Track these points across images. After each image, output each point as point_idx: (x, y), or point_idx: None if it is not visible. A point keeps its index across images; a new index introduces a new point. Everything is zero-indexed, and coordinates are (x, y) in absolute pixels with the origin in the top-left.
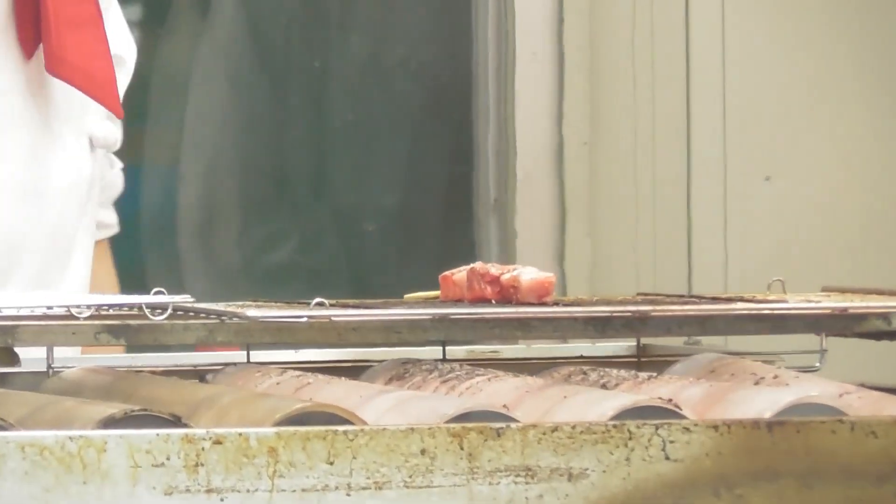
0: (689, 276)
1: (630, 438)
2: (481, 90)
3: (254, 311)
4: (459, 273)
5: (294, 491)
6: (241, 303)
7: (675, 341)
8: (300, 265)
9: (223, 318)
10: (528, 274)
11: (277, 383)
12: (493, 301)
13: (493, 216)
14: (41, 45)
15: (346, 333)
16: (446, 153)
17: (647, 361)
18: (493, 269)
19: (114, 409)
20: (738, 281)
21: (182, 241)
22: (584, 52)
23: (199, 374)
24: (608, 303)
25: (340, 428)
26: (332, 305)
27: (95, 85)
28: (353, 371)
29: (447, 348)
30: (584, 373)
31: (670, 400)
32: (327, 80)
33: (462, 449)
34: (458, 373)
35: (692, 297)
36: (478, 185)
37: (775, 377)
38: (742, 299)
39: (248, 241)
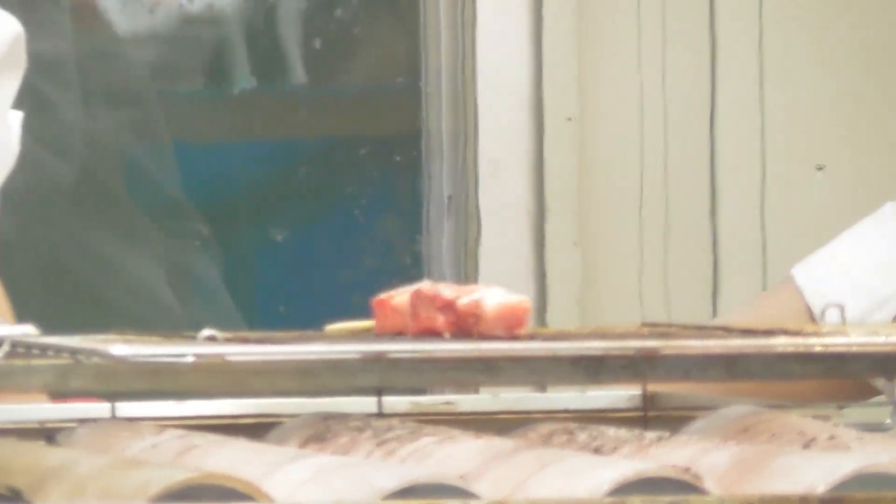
0: (714, 300)
1: None
2: (431, 48)
3: (121, 348)
4: (400, 297)
5: None
6: (103, 336)
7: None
8: (176, 288)
9: (79, 356)
10: (493, 297)
11: (153, 446)
12: (447, 334)
13: (448, 219)
14: None
15: (246, 378)
16: (383, 134)
17: (655, 417)
18: (447, 290)
19: None
20: None
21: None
22: None
23: (48, 434)
24: (603, 336)
25: None
26: (227, 340)
27: None
28: (257, 430)
29: (384, 398)
30: (571, 432)
31: (688, 469)
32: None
33: None
34: (399, 432)
35: (717, 329)
36: (427, 178)
37: (831, 438)
38: (785, 332)
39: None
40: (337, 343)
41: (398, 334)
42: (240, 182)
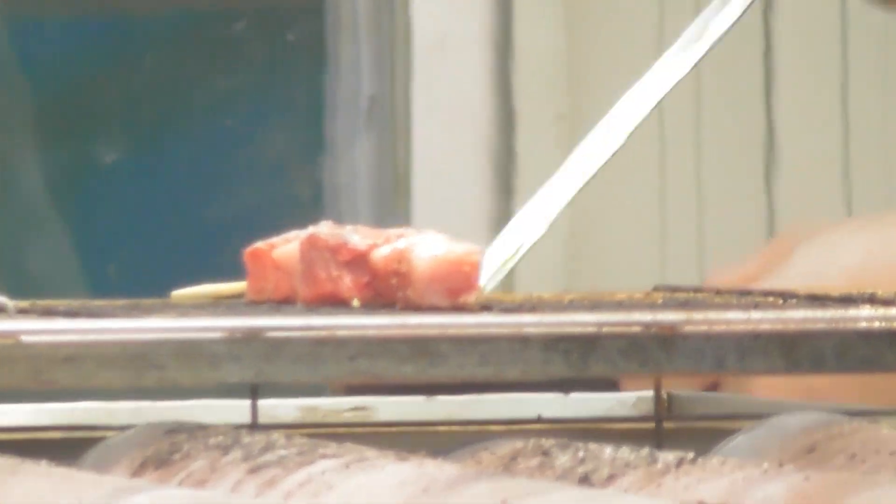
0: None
1: None
2: None
3: None
4: (287, 246)
5: None
6: None
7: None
8: None
9: None
10: (428, 247)
11: None
12: (356, 302)
13: (366, 131)
14: None
15: (50, 368)
16: (270, 3)
17: (674, 429)
18: (356, 237)
19: None
20: None
21: None
22: None
23: None
24: (595, 306)
25: None
26: (21, 311)
27: None
28: (67, 448)
29: (261, 402)
30: (546, 453)
31: None
32: None
33: None
34: (284, 452)
35: (770, 293)
36: (335, 69)
37: None
38: (873, 300)
39: None
40: (188, 316)
41: (283, 302)
42: (52, 76)
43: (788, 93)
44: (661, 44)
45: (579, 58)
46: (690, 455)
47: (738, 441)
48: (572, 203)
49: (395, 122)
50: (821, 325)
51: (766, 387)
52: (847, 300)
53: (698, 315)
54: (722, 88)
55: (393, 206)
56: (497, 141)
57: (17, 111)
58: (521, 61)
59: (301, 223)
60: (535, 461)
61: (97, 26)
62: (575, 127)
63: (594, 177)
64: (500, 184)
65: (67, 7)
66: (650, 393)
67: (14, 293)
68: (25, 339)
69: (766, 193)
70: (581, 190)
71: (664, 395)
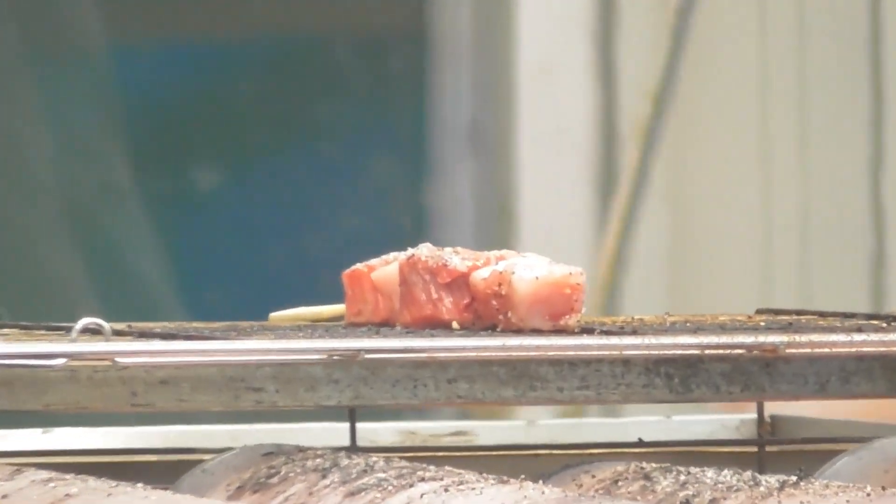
0: (879, 274)
1: None
2: None
3: None
4: (386, 268)
5: None
6: None
7: (835, 411)
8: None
9: None
10: (529, 269)
11: (4, 497)
12: (456, 325)
13: (470, 156)
14: None
15: (147, 391)
16: (374, 30)
17: (777, 453)
18: (456, 259)
19: None
20: None
21: None
22: None
23: None
24: (698, 330)
25: None
26: (117, 333)
27: None
28: (164, 472)
29: (360, 425)
30: (647, 476)
31: None
32: None
33: None
34: (383, 475)
35: (873, 317)
36: (437, 95)
37: None
38: None
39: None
40: (286, 338)
41: (383, 324)
42: (160, 100)
43: None
44: (764, 76)
45: (683, 80)
46: (793, 478)
47: (841, 464)
48: (674, 225)
49: (498, 146)
50: None
51: None
52: None
53: (801, 338)
54: (828, 106)
55: (496, 230)
56: (601, 165)
57: (116, 137)
58: (624, 86)
59: (404, 248)
60: (636, 485)
61: (195, 52)
62: (678, 151)
63: (696, 199)
64: (603, 207)
65: (166, 31)
66: (753, 414)
67: (114, 317)
68: (120, 360)
69: (874, 215)
70: (683, 212)
71: (767, 418)
